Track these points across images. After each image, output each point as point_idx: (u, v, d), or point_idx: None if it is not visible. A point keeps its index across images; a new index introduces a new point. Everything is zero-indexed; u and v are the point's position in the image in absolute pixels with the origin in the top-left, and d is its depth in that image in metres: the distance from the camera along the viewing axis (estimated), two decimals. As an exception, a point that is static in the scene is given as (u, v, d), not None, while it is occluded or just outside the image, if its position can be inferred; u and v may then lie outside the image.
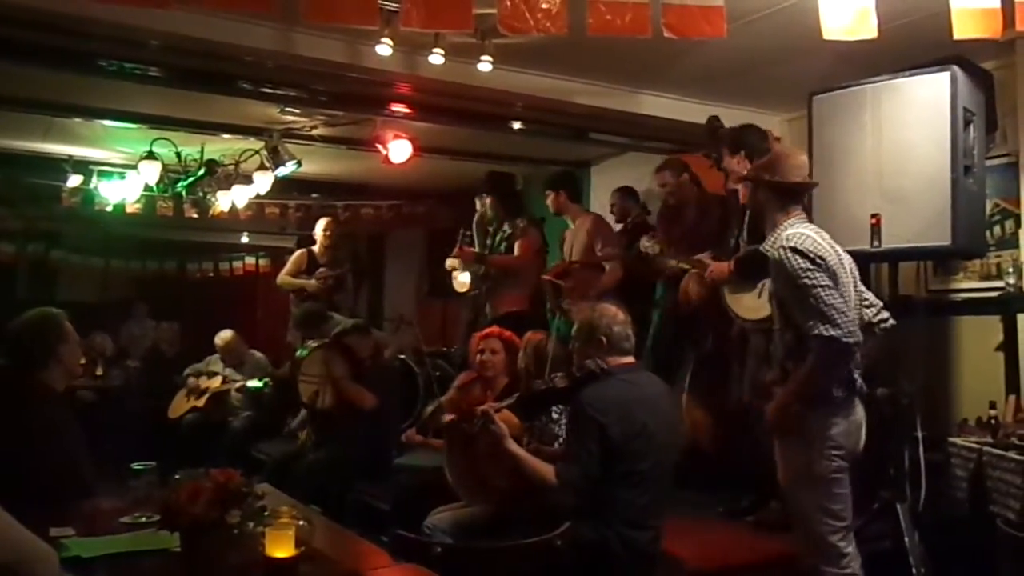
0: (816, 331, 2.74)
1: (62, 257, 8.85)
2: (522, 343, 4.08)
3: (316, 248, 6.75)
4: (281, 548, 2.09)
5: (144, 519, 2.48)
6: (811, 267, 2.81)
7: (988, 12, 2.89)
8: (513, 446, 3.05)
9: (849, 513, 2.90)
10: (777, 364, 3.04)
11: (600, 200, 6.95)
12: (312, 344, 5.25)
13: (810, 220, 3.60)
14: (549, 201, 5.64)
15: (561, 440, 3.38)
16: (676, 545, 3.41)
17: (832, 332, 2.72)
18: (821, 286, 2.79)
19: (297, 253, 6.82)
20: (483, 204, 6.03)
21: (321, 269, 6.54)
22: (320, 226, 6.79)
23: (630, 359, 3.17)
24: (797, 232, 2.93)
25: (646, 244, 4.72)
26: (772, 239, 3.00)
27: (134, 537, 2.38)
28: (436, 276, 7.51)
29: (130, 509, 2.58)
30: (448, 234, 6.14)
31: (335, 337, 5.26)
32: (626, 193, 5.98)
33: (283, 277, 6.72)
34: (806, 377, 2.82)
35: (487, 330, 4.25)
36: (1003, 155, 4.38)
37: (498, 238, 5.82)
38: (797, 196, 3.06)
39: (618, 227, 5.97)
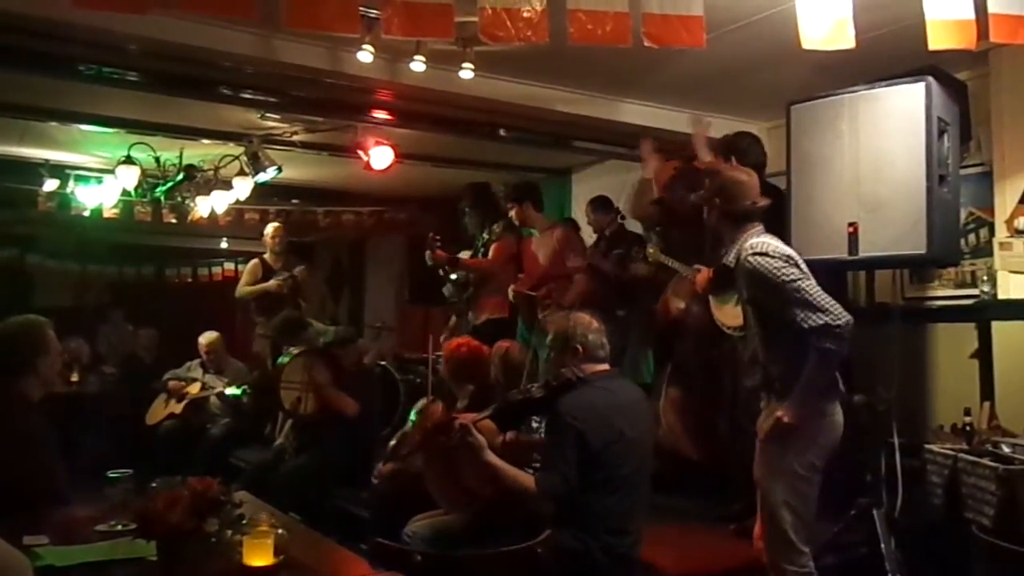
0: (808, 323, 2.78)
1: (38, 262, 8.77)
2: (492, 353, 4.07)
3: (268, 256, 6.75)
4: (259, 557, 2.08)
5: (120, 527, 2.45)
6: (783, 264, 2.88)
7: (962, 24, 2.94)
8: (492, 457, 3.04)
9: (813, 514, 2.93)
10: (759, 367, 3.06)
11: (581, 207, 6.97)
12: (294, 351, 5.23)
13: (788, 228, 3.67)
14: (513, 213, 5.67)
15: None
16: (657, 553, 3.42)
17: (825, 319, 2.77)
18: (799, 279, 2.85)
19: (251, 263, 6.84)
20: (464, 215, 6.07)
21: (280, 274, 6.57)
22: (268, 232, 6.81)
23: (605, 366, 3.19)
24: (760, 240, 2.99)
25: (650, 250, 4.76)
26: (733, 252, 3.05)
27: (110, 546, 2.35)
28: (418, 283, 7.50)
29: (106, 517, 2.56)
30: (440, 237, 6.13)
31: (323, 347, 5.25)
32: (599, 204, 6.01)
33: (241, 289, 6.72)
34: (814, 368, 2.82)
35: (455, 341, 4.23)
36: (977, 164, 4.45)
37: (478, 244, 5.85)
38: (751, 217, 3.09)
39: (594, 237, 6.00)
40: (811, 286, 2.84)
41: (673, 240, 4.94)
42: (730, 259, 3.07)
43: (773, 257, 2.89)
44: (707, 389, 4.51)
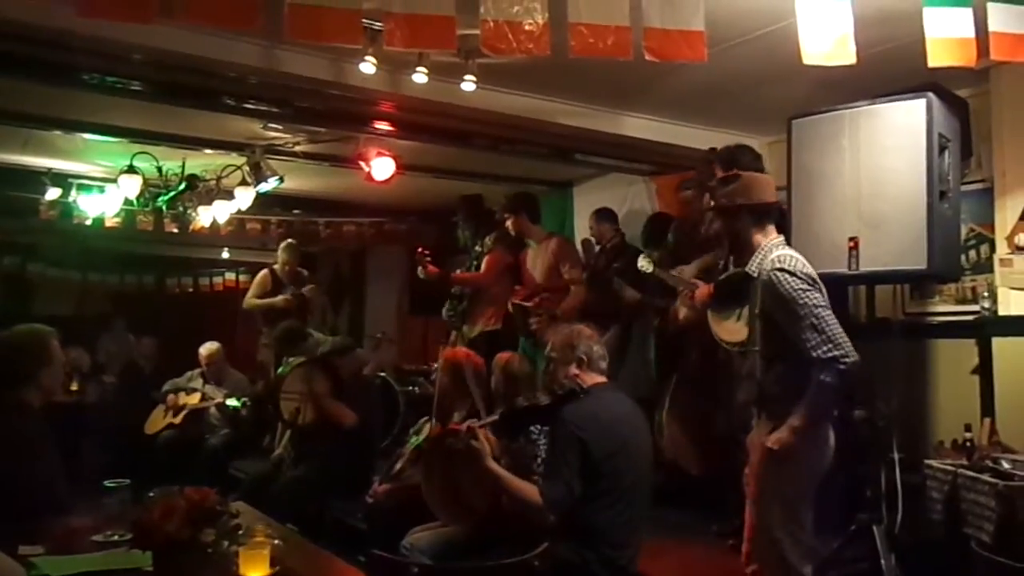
0: (817, 352, 2.73)
1: (39, 270, 8.78)
2: (492, 364, 4.08)
3: (278, 268, 6.76)
4: (255, 567, 2.07)
5: (116, 537, 2.45)
6: (807, 287, 2.83)
7: (962, 42, 2.94)
8: (493, 465, 3.04)
9: (810, 534, 2.90)
10: (754, 383, 3.03)
11: (582, 219, 6.98)
12: (293, 361, 5.23)
13: (788, 242, 3.66)
14: (509, 224, 5.66)
15: (540, 459, 3.38)
16: (655, 566, 3.41)
17: (835, 352, 2.73)
18: (820, 306, 2.79)
19: (260, 274, 6.87)
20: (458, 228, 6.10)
21: (289, 289, 6.60)
22: (281, 258, 6.88)
23: (604, 378, 3.20)
24: (786, 254, 2.94)
25: (642, 264, 4.75)
26: (757, 260, 3.01)
27: (105, 556, 2.35)
28: (418, 294, 7.49)
29: (102, 527, 2.55)
30: (430, 251, 6.14)
31: (321, 356, 5.25)
32: (604, 215, 6.02)
33: (250, 300, 6.75)
34: (813, 400, 2.77)
35: (452, 350, 4.22)
36: (978, 181, 4.46)
37: (472, 256, 5.86)
38: (771, 215, 3.08)
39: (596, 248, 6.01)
40: (829, 316, 2.79)
41: (678, 253, 4.94)
42: (752, 268, 3.02)
43: (799, 277, 2.84)
44: (710, 401, 4.50)
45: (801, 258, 2.96)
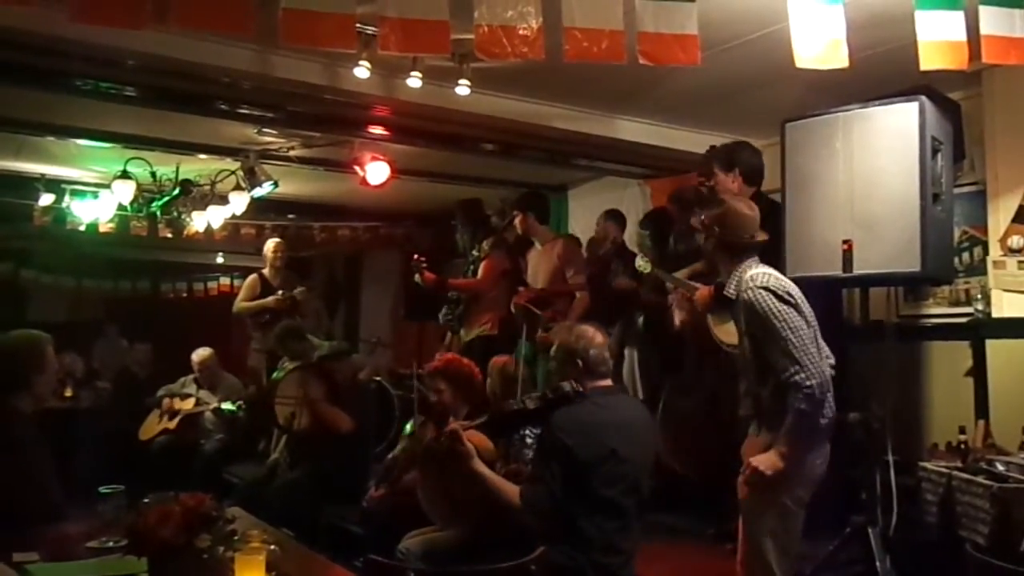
0: (784, 376, 2.75)
1: (33, 276, 8.77)
2: (489, 367, 4.06)
3: (267, 271, 6.72)
4: (251, 573, 2.06)
5: (111, 544, 2.44)
6: (782, 305, 2.82)
7: (954, 45, 2.96)
8: (480, 466, 3.02)
9: (798, 546, 2.90)
10: (751, 397, 3.03)
11: (578, 223, 7.00)
12: (288, 366, 5.21)
13: (782, 245, 3.67)
14: (516, 222, 5.63)
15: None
16: (652, 571, 3.40)
17: (798, 377, 2.73)
18: (792, 327, 2.78)
19: (249, 279, 6.79)
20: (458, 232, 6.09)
21: (279, 292, 6.53)
22: (269, 247, 6.77)
23: (607, 382, 3.17)
24: (759, 272, 2.94)
25: (640, 263, 4.74)
26: (733, 283, 3.01)
27: (100, 563, 2.34)
28: (413, 298, 7.49)
29: (97, 533, 2.54)
30: (425, 256, 6.13)
31: (318, 361, 5.24)
32: (612, 216, 6.02)
33: (239, 304, 6.66)
34: (792, 428, 2.76)
35: (431, 366, 4.03)
36: (971, 183, 4.48)
37: (469, 260, 5.85)
38: (746, 252, 3.06)
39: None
40: (800, 336, 2.77)
41: (672, 254, 4.95)
42: (730, 291, 3.03)
43: (775, 294, 2.84)
44: (706, 404, 4.50)
45: (775, 273, 2.97)
